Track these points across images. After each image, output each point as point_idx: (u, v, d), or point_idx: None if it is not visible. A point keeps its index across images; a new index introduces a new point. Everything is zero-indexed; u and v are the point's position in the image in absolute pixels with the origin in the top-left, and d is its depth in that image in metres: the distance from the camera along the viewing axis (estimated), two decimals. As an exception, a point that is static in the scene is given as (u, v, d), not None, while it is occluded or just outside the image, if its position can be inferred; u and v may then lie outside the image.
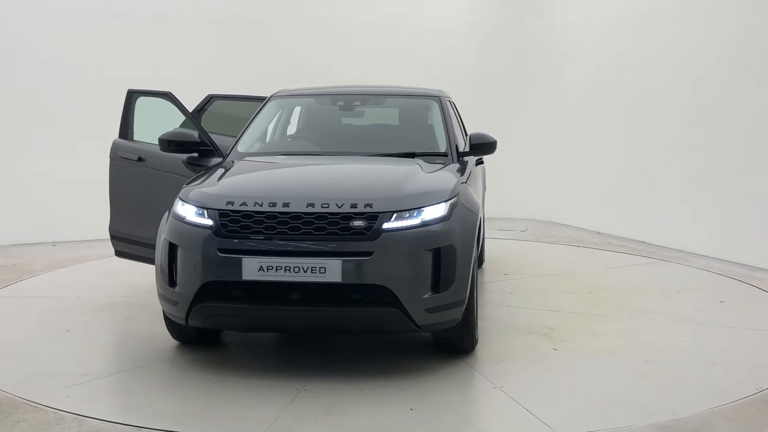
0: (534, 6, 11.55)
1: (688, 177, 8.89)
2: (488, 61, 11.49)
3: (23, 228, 9.15)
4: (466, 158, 5.97)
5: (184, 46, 10.03)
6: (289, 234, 4.55)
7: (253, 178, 5.22)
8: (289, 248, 4.53)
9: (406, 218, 4.63)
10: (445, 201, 4.84)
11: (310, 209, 4.59)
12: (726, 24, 8.38)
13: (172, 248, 4.78)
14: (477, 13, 11.58)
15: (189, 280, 4.66)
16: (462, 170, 5.60)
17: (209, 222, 4.67)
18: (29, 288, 7.09)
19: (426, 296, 4.60)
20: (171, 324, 5.16)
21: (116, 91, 8.77)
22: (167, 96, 6.52)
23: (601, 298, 6.70)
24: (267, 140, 6.07)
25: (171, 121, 6.63)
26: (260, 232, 4.57)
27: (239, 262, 4.53)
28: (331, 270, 4.48)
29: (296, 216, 4.58)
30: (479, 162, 6.99)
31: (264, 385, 4.61)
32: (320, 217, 4.57)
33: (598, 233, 10.25)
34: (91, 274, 7.67)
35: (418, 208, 4.70)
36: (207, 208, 4.72)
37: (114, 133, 6.69)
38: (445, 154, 5.75)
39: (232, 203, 4.69)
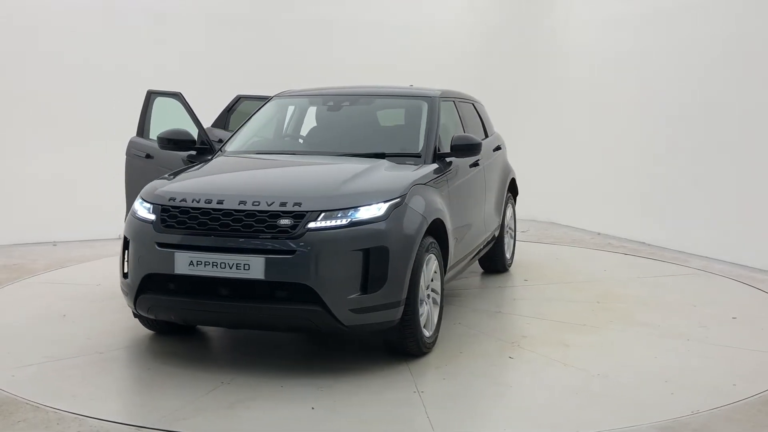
0: (535, 6, 11.53)
1: (688, 178, 8.85)
2: (489, 61, 11.44)
3: (24, 228, 9.03)
4: (450, 159, 5.86)
5: (184, 46, 9.88)
6: (219, 230, 4.67)
7: (204, 175, 5.37)
8: (217, 244, 4.64)
9: (335, 218, 4.64)
10: (384, 201, 4.80)
11: (241, 207, 4.69)
12: (727, 24, 8.32)
13: (126, 242, 5.01)
14: (479, 13, 11.54)
15: (135, 272, 4.88)
16: (435, 171, 5.52)
17: (152, 217, 4.87)
18: (30, 287, 7.02)
19: (352, 296, 4.59)
20: (137, 314, 5.38)
21: (117, 90, 9.26)
22: (177, 96, 6.82)
23: (604, 308, 6.39)
24: (254, 139, 6.19)
25: (186, 121, 6.92)
26: (193, 228, 4.72)
27: (172, 257, 4.70)
28: (255, 267, 4.56)
29: (228, 213, 4.69)
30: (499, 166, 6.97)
31: (194, 377, 4.75)
32: (249, 214, 4.66)
33: (599, 234, 10.14)
34: (90, 273, 7.58)
35: (351, 208, 4.70)
36: (153, 204, 4.93)
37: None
38: (418, 155, 5.68)
39: (174, 199, 4.87)
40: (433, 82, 7.28)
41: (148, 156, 6.70)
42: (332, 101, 6.45)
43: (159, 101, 7.03)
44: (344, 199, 4.75)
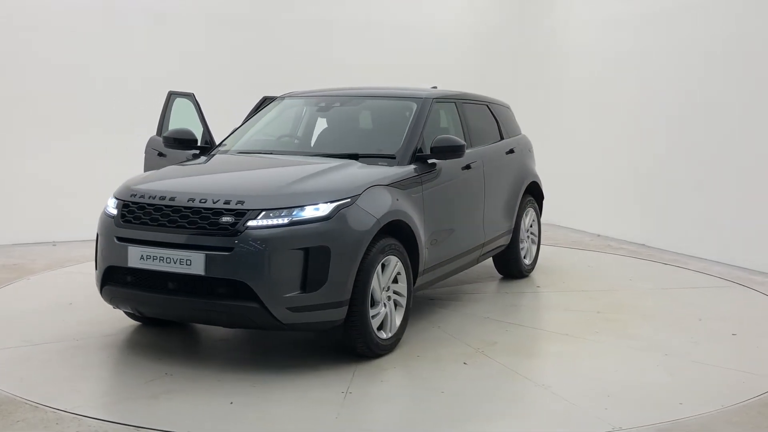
0: (535, 6, 11.43)
1: (687, 179, 8.81)
2: (489, 61, 11.30)
3: (24, 228, 8.98)
4: (433, 161, 5.80)
5: (184, 46, 9.82)
6: (168, 226, 4.83)
7: (172, 173, 5.54)
8: (165, 240, 4.80)
9: (276, 217, 4.70)
10: (330, 202, 4.83)
11: (189, 204, 4.83)
12: (726, 25, 8.26)
13: (97, 236, 5.27)
14: (479, 13, 11.42)
15: (99, 265, 5.14)
16: (407, 173, 5.49)
17: (115, 212, 5.10)
18: (30, 287, 7.05)
19: (290, 295, 4.64)
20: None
21: (116, 90, 9.30)
22: (190, 96, 7.09)
23: (602, 319, 6.15)
24: (242, 139, 6.33)
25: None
26: (146, 223, 4.91)
27: (126, 250, 4.90)
28: (196, 263, 4.69)
29: (177, 210, 4.85)
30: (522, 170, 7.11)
31: (145, 366, 4.93)
32: (196, 211, 4.79)
33: (598, 236, 10.09)
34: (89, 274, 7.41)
35: (295, 207, 4.75)
36: (117, 200, 5.16)
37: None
38: (392, 157, 5.66)
39: (134, 195, 5.08)
40: (432, 84, 7.23)
41: (160, 154, 6.99)
42: (324, 103, 6.51)
43: (179, 101, 7.32)
44: (288, 198, 4.81)
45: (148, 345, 5.39)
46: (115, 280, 5.03)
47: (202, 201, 4.82)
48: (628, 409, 4.34)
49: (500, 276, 7.56)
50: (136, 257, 4.87)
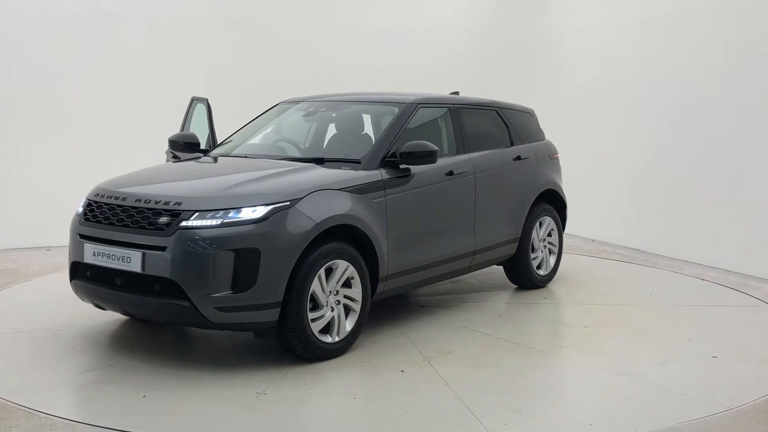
0: (532, 10, 11.33)
1: (683, 184, 8.80)
2: (486, 64, 11.13)
3: (18, 232, 8.93)
4: (405, 167, 5.76)
5: (182, 50, 9.79)
6: (116, 225, 5.08)
7: (140, 174, 5.77)
8: (112, 237, 5.05)
9: (209, 218, 4.83)
10: (266, 205, 4.91)
11: (136, 204, 5.06)
12: (725, 30, 8.20)
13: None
14: (476, 16, 11.28)
15: (69, 260, 5.45)
16: (368, 178, 5.48)
17: (81, 210, 5.40)
18: (24, 292, 7.05)
19: (218, 295, 4.76)
20: None
21: (111, 95, 9.33)
22: (204, 102, 7.37)
23: (583, 335, 5.90)
24: (229, 143, 6.52)
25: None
26: (100, 222, 5.18)
27: (83, 247, 5.20)
28: (134, 260, 4.91)
29: (125, 209, 5.09)
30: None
31: (96, 358, 5.22)
32: (140, 211, 5.01)
33: (593, 240, 10.02)
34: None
35: (229, 209, 4.86)
36: (86, 198, 5.46)
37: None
38: (357, 162, 5.67)
39: (97, 195, 5.37)
40: (432, 87, 7.15)
41: (175, 157, 7.30)
42: (313, 108, 6.60)
43: (200, 107, 7.62)
44: (223, 200, 4.94)
45: (119, 336, 5.67)
46: (79, 275, 5.33)
47: (147, 201, 5.03)
48: (529, 427, 4.16)
49: (514, 286, 7.36)
50: (90, 254, 5.16)
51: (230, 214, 4.86)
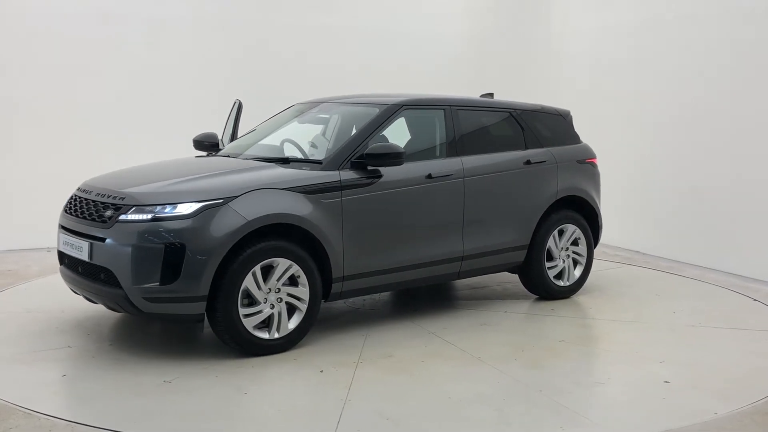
0: (531, 14, 11.21)
1: (683, 186, 8.77)
2: (485, 67, 11.08)
3: (17, 234, 8.91)
4: (374, 168, 5.76)
5: (182, 51, 9.80)
6: (77, 217, 5.52)
7: (123, 171, 6.15)
8: (72, 227, 5.51)
9: (143, 213, 5.13)
10: (197, 201, 5.14)
11: (96, 198, 5.47)
12: (725, 32, 8.17)
13: None
14: (474, 20, 11.25)
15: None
16: (324, 178, 5.55)
17: (65, 202, 5.91)
18: (24, 293, 7.15)
19: (147, 285, 5.04)
20: None
21: (111, 95, 9.47)
22: (236, 103, 7.69)
23: (545, 348, 5.59)
24: (230, 145, 6.79)
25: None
26: (71, 214, 5.65)
27: (58, 236, 5.70)
28: (84, 250, 5.33)
29: (88, 202, 5.52)
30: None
31: (81, 348, 5.64)
32: (95, 205, 5.42)
33: None
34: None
35: (164, 205, 5.14)
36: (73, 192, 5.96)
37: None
38: (319, 162, 5.73)
39: (79, 189, 5.85)
40: (431, 89, 6.99)
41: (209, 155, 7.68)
42: (307, 109, 6.71)
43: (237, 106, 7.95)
44: (160, 196, 5.21)
45: (106, 328, 6.07)
46: (63, 263, 5.83)
47: (102, 196, 5.42)
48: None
49: (534, 297, 7.05)
50: (62, 242, 5.65)
51: (165, 210, 5.12)
